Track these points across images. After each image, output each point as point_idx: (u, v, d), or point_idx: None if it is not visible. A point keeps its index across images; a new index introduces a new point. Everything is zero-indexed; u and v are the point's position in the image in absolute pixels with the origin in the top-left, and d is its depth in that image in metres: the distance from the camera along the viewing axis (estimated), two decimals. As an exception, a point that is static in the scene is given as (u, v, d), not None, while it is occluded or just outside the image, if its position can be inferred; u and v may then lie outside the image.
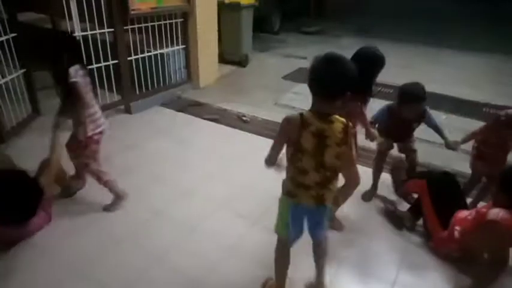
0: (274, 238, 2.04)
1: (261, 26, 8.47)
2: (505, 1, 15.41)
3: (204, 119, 4.48)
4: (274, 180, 1.98)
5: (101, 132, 2.70)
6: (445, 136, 2.86)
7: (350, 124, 1.78)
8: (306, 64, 7.00)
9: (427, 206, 2.61)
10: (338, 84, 1.66)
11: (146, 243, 2.58)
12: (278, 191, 1.93)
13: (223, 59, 6.34)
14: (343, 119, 1.76)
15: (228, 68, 6.36)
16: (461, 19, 12.44)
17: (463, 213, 2.45)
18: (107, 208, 2.87)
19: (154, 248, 2.55)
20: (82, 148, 2.66)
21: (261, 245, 2.52)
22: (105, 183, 2.82)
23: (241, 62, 6.49)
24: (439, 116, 4.32)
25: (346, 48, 8.09)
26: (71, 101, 2.52)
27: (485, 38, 9.37)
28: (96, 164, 2.78)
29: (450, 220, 2.46)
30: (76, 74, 2.47)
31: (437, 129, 2.89)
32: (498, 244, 2.16)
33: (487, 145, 2.74)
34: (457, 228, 2.39)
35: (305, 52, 7.52)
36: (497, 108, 4.93)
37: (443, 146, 2.90)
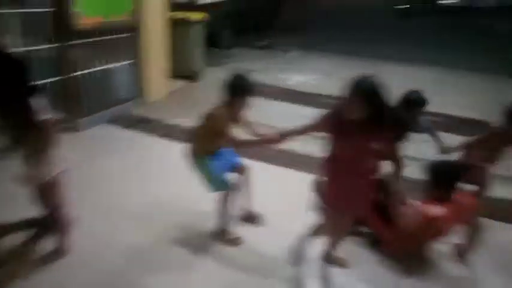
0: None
1: (212, 41, 8.57)
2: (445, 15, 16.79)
3: (155, 135, 4.43)
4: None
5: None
6: (439, 141, 3.03)
7: None
8: (256, 77, 7.18)
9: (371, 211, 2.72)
10: None
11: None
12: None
13: (174, 74, 6.33)
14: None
15: (179, 83, 6.35)
16: (405, 33, 13.38)
17: (405, 210, 2.59)
18: None
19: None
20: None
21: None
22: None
23: (193, 77, 6.52)
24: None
25: (294, 61, 8.52)
26: (36, 139, 2.10)
27: (430, 52, 10.11)
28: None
29: (391, 220, 2.61)
30: (42, 107, 2.06)
31: (433, 133, 3.06)
32: (435, 236, 2.36)
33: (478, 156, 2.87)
34: (402, 224, 2.52)
35: (255, 65, 7.72)
36: (436, 115, 5.35)
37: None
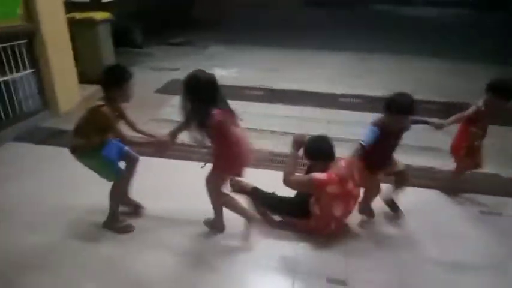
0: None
1: (123, 40, 8.03)
2: (359, 6, 17.84)
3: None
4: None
5: None
6: (430, 121, 3.01)
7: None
8: (179, 75, 6.97)
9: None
10: None
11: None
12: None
13: (84, 79, 5.77)
14: None
15: (92, 88, 5.77)
16: (318, 25, 13.94)
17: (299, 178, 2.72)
18: None
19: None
20: None
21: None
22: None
23: (106, 81, 6.02)
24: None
25: (214, 56, 8.40)
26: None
27: (341, 40, 10.62)
28: None
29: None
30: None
31: (419, 120, 2.89)
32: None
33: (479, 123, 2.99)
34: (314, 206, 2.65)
35: (176, 63, 7.43)
36: (346, 96, 5.67)
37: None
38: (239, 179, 2.97)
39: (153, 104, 5.27)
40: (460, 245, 2.71)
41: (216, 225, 2.75)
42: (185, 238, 2.70)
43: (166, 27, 10.60)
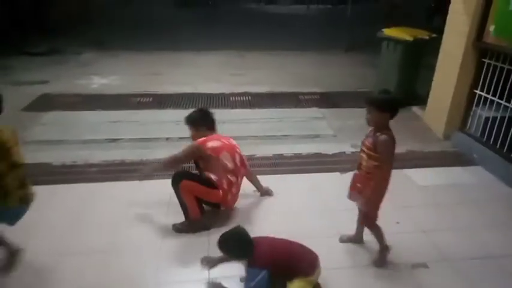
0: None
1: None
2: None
3: None
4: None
5: None
6: None
7: None
8: (50, 89, 6.21)
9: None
10: None
11: None
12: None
13: None
14: None
15: None
16: (188, 23, 13.85)
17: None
18: None
19: None
20: None
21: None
22: None
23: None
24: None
25: (89, 64, 7.67)
26: None
27: (216, 39, 10.76)
28: None
29: None
30: None
31: None
32: None
33: None
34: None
35: (42, 75, 6.55)
36: (235, 95, 5.80)
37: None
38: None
39: (22, 125, 4.49)
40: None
41: None
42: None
43: (21, 35, 9.24)
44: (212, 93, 5.89)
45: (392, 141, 2.22)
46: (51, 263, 2.42)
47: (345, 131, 4.51)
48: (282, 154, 3.93)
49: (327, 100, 5.69)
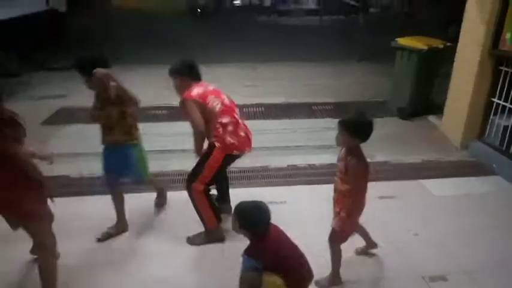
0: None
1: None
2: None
3: None
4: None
5: None
6: None
7: None
8: (68, 103, 6.37)
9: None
10: None
11: None
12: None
13: None
14: None
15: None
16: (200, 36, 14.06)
17: None
18: None
19: None
20: None
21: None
22: None
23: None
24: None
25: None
26: None
27: (228, 51, 10.90)
28: None
29: None
30: None
31: None
32: None
33: None
34: None
35: (61, 90, 6.75)
36: (248, 106, 5.83)
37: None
38: None
39: (41, 139, 4.60)
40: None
41: None
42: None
43: (42, 50, 9.54)
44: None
45: (362, 165, 2.18)
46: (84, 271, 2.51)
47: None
48: (295, 165, 3.93)
49: (340, 110, 5.67)
